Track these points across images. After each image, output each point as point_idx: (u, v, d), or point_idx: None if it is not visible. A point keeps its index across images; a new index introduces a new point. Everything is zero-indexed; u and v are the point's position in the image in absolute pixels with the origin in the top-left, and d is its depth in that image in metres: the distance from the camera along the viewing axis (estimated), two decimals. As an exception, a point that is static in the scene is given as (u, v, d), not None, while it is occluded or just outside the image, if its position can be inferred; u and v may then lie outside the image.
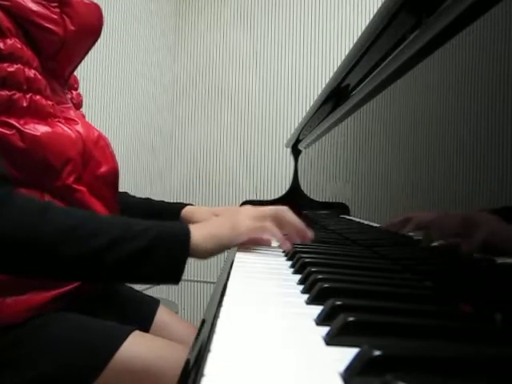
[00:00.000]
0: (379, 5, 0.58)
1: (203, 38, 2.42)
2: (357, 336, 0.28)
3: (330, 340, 0.28)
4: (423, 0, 0.51)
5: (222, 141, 2.37)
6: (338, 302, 0.33)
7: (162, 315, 0.84)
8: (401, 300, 0.38)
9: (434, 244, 0.48)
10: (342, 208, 0.91)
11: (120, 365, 0.58)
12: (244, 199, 1.77)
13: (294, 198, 1.51)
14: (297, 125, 1.54)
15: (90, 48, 0.78)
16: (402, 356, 0.23)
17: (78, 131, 0.70)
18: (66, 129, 0.68)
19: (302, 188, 1.47)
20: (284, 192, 1.60)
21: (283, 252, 0.66)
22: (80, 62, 0.79)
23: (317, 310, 0.34)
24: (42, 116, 0.65)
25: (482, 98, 0.40)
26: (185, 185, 2.41)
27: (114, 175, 0.76)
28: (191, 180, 2.41)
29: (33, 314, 0.60)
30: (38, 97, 0.65)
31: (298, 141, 1.54)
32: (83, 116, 0.83)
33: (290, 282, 0.46)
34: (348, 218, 0.87)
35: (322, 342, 0.28)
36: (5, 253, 0.49)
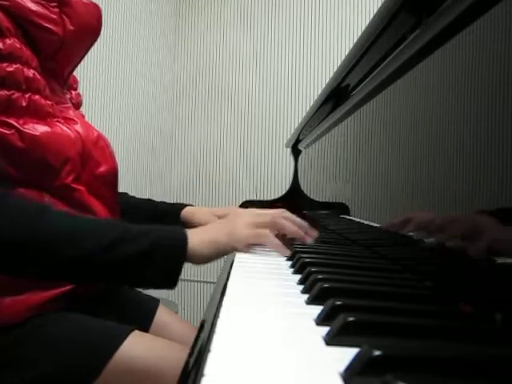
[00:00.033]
0: (379, 5, 0.58)
1: (203, 38, 2.42)
2: (357, 336, 0.28)
3: (330, 340, 0.28)
4: (423, 0, 0.51)
5: (222, 141, 2.37)
6: (338, 302, 0.33)
7: (161, 315, 0.84)
8: (401, 300, 0.38)
9: (435, 244, 0.48)
10: (342, 208, 0.91)
11: (120, 365, 0.58)
12: (244, 199, 1.77)
13: (294, 197, 1.51)
14: (297, 125, 1.54)
15: (89, 48, 0.78)
16: (402, 356, 0.23)
17: (77, 131, 0.70)
18: (65, 128, 0.68)
19: (302, 188, 1.47)
20: (284, 192, 1.60)
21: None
22: (79, 62, 0.79)
23: (317, 310, 0.34)
24: (41, 116, 0.65)
25: (482, 97, 0.40)
26: (185, 185, 2.41)
27: (113, 175, 0.76)
28: (191, 180, 2.41)
29: (32, 314, 0.60)
30: (37, 96, 0.65)
31: (297, 141, 1.54)
32: (82, 116, 0.83)
33: (290, 282, 0.46)
34: (348, 218, 0.87)
35: (322, 342, 0.28)
36: (2, 253, 0.49)
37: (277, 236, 0.63)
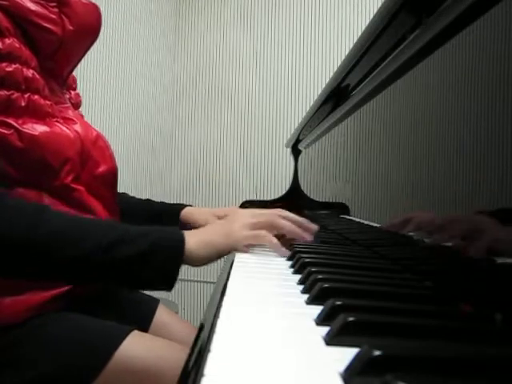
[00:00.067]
0: (379, 5, 0.58)
1: (203, 38, 2.42)
2: (357, 336, 0.28)
3: (330, 340, 0.28)
4: (423, 0, 0.51)
5: (222, 141, 2.37)
6: (338, 302, 0.33)
7: (161, 315, 0.84)
8: (401, 300, 0.38)
9: (435, 244, 0.48)
10: (342, 208, 0.91)
11: (119, 365, 0.58)
12: (244, 199, 1.77)
13: (293, 197, 1.51)
14: (297, 125, 1.54)
15: (88, 48, 0.78)
16: (402, 356, 0.23)
17: (76, 131, 0.70)
18: (64, 128, 0.68)
19: (302, 188, 1.47)
20: (284, 192, 1.60)
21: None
22: (78, 62, 0.79)
23: (317, 310, 0.34)
24: (41, 116, 0.65)
25: (482, 97, 0.40)
26: (185, 185, 2.41)
27: (112, 175, 0.76)
28: (191, 180, 2.41)
29: (32, 314, 0.60)
30: (36, 96, 0.64)
31: (297, 141, 1.54)
32: (82, 116, 0.83)
33: (290, 282, 0.46)
34: (348, 218, 0.87)
35: (322, 342, 0.28)
36: (1, 253, 0.49)
37: (276, 236, 0.63)
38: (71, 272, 0.52)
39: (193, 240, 0.56)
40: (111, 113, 1.81)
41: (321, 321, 0.32)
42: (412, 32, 0.54)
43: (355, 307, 0.32)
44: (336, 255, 0.60)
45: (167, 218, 0.90)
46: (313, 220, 1.17)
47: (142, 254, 0.52)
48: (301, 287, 0.43)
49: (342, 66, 0.82)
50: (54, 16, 0.68)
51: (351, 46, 0.74)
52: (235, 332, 0.29)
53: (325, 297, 0.36)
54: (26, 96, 0.63)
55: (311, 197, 1.33)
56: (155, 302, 0.86)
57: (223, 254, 0.59)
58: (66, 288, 0.65)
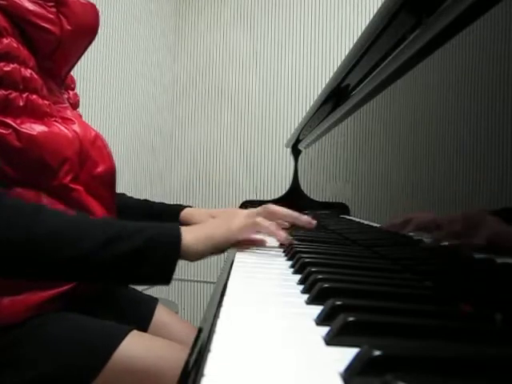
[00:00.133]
0: (379, 5, 0.58)
1: (203, 38, 2.42)
2: (357, 336, 0.28)
3: (330, 340, 0.28)
4: (423, 0, 0.51)
5: (222, 141, 2.37)
6: (338, 302, 0.33)
7: (160, 315, 0.84)
8: (401, 300, 0.38)
9: (435, 244, 0.48)
10: (342, 208, 0.91)
11: (119, 365, 0.58)
12: (244, 199, 1.77)
13: (294, 197, 1.51)
14: (297, 125, 1.54)
15: (86, 48, 0.78)
16: (402, 356, 0.23)
17: (74, 131, 0.70)
18: (62, 128, 0.67)
19: (302, 188, 1.47)
20: (284, 192, 1.60)
21: (283, 252, 0.66)
22: (76, 61, 0.79)
23: (317, 310, 0.34)
24: (39, 115, 0.65)
25: (482, 97, 0.40)
26: (185, 185, 2.41)
27: (111, 175, 0.76)
28: (191, 180, 2.41)
29: (31, 314, 0.60)
30: (34, 96, 0.64)
31: (297, 141, 1.54)
32: (80, 116, 0.83)
33: (290, 282, 0.46)
34: (348, 218, 0.87)
35: (322, 342, 0.28)
36: (0, 253, 0.49)
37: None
38: (70, 271, 0.52)
39: (190, 235, 0.56)
40: (111, 113, 1.81)
41: (321, 321, 0.32)
42: (412, 32, 0.54)
43: (355, 307, 0.32)
44: (336, 255, 0.60)
45: (166, 219, 0.90)
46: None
47: (138, 249, 0.52)
48: (301, 287, 0.43)
49: (341, 66, 0.82)
50: (51, 16, 0.68)
51: (351, 46, 0.74)
52: (235, 332, 0.29)
53: (325, 297, 0.36)
54: (24, 96, 0.63)
55: (311, 197, 1.33)
56: (154, 302, 0.86)
57: (221, 247, 0.60)
58: (65, 288, 0.65)
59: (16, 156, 0.62)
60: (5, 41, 0.61)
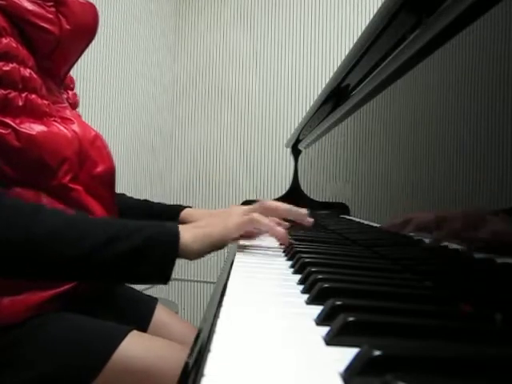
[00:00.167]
0: (379, 5, 0.58)
1: (203, 38, 2.42)
2: (357, 336, 0.28)
3: (330, 340, 0.28)
4: (423, 0, 0.51)
5: (222, 141, 2.37)
6: (338, 302, 0.33)
7: (160, 314, 0.84)
8: (401, 300, 0.38)
9: (435, 244, 0.48)
10: (342, 208, 0.91)
11: (119, 365, 0.58)
12: (244, 199, 1.77)
13: (294, 198, 1.51)
14: (297, 125, 1.54)
15: (85, 48, 0.78)
16: (402, 356, 0.23)
17: (74, 130, 0.70)
18: (61, 128, 0.67)
19: (302, 188, 1.47)
20: (284, 192, 1.60)
21: (283, 252, 0.66)
22: (76, 61, 0.79)
23: (317, 309, 0.34)
24: (38, 115, 0.65)
25: (482, 97, 0.40)
26: (185, 185, 2.41)
27: (110, 175, 0.76)
28: (191, 180, 2.41)
29: (31, 314, 0.60)
30: (33, 96, 0.64)
31: (297, 141, 1.54)
32: (79, 116, 0.83)
33: (290, 282, 0.46)
34: (348, 218, 0.87)
35: (322, 342, 0.28)
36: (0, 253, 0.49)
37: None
38: (71, 271, 0.52)
39: (188, 234, 0.56)
40: (111, 113, 1.81)
41: (321, 321, 0.32)
42: (412, 32, 0.54)
43: (355, 307, 0.32)
44: (336, 255, 0.60)
45: (166, 219, 0.90)
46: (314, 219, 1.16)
47: (137, 248, 0.52)
48: (301, 287, 0.43)
49: (341, 66, 0.82)
50: (50, 15, 0.68)
51: (351, 46, 0.74)
52: (235, 332, 0.29)
53: (325, 297, 0.36)
54: (24, 95, 0.63)
55: (311, 197, 1.33)
56: (154, 302, 0.86)
57: (220, 244, 0.60)
58: (65, 288, 0.65)
59: (15, 156, 0.62)
60: (4, 40, 0.61)
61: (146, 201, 0.97)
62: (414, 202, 0.56)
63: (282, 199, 1.56)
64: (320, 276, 0.42)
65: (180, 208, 0.90)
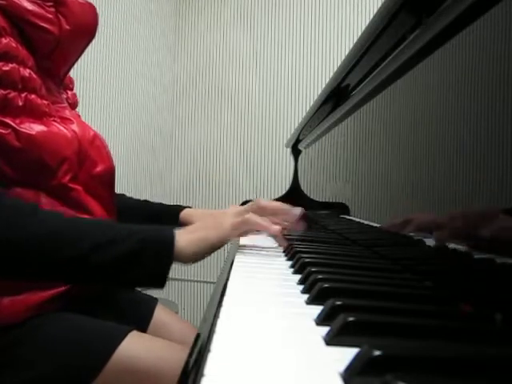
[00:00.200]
0: (379, 5, 0.58)
1: (203, 38, 2.42)
2: (357, 336, 0.28)
3: (330, 340, 0.28)
4: (423, 0, 0.51)
5: (222, 141, 2.37)
6: (338, 302, 0.33)
7: (160, 314, 0.84)
8: (401, 300, 0.38)
9: (435, 244, 0.48)
10: (342, 208, 0.91)
11: (118, 365, 0.58)
12: (244, 199, 1.77)
13: (294, 197, 1.51)
14: (297, 125, 1.54)
15: (85, 48, 0.78)
16: (402, 356, 0.23)
17: (73, 130, 0.70)
18: (61, 128, 0.68)
19: (302, 188, 1.47)
20: (284, 192, 1.60)
21: (283, 252, 0.66)
22: (75, 61, 0.79)
23: (317, 310, 0.34)
24: (38, 115, 0.65)
25: (482, 97, 0.40)
26: (185, 185, 2.41)
27: (110, 175, 0.76)
28: (191, 180, 2.41)
29: (31, 314, 0.60)
30: (33, 96, 0.64)
31: (297, 141, 1.54)
32: (78, 116, 0.83)
33: (290, 282, 0.46)
34: (348, 218, 0.87)
35: (322, 342, 0.28)
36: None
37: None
38: (70, 272, 0.52)
39: (183, 238, 0.56)
40: (111, 113, 1.81)
41: (321, 321, 0.32)
42: (412, 32, 0.54)
43: (355, 307, 0.32)
44: (336, 255, 0.60)
45: (165, 219, 0.90)
46: (313, 220, 1.17)
47: (130, 252, 0.51)
48: (301, 287, 0.43)
49: (341, 66, 0.82)
50: (50, 15, 0.68)
51: (351, 46, 0.74)
52: (235, 332, 0.29)
53: (325, 297, 0.36)
54: (23, 95, 0.63)
55: (311, 197, 1.33)
56: (154, 302, 0.86)
57: (215, 247, 0.59)
58: (65, 288, 0.65)
59: (15, 156, 0.62)
60: (4, 40, 0.61)
61: (145, 201, 0.97)
62: (414, 202, 0.56)
63: (282, 199, 1.56)
64: (320, 276, 0.42)
65: (180, 208, 0.90)
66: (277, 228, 0.64)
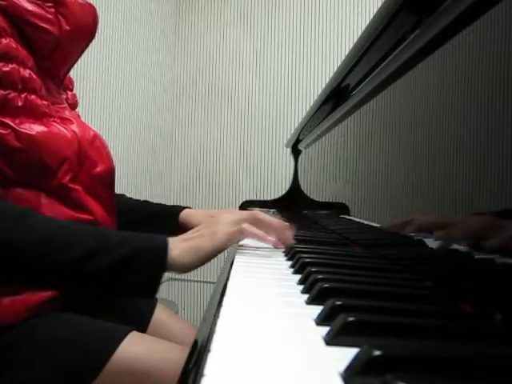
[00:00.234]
0: (379, 5, 0.58)
1: (203, 38, 2.42)
2: (357, 336, 0.28)
3: (330, 340, 0.28)
4: (423, 0, 0.51)
5: (222, 141, 2.37)
6: (338, 302, 0.33)
7: (160, 314, 0.84)
8: (401, 300, 0.38)
9: (435, 244, 0.48)
10: (342, 208, 0.91)
11: (118, 366, 0.57)
12: (244, 199, 1.77)
13: (294, 197, 1.51)
14: (297, 125, 1.54)
15: (85, 48, 0.78)
16: (402, 356, 0.23)
17: (73, 131, 0.70)
18: (61, 128, 0.68)
19: (302, 188, 1.47)
20: (284, 192, 1.60)
21: (283, 252, 0.66)
22: (75, 62, 0.79)
23: (317, 310, 0.34)
24: (38, 115, 0.65)
25: (482, 97, 0.40)
26: (185, 185, 2.42)
27: (109, 175, 0.76)
28: (191, 180, 2.41)
29: (32, 314, 0.60)
30: (33, 96, 0.64)
31: (297, 141, 1.54)
32: (78, 116, 0.83)
33: (290, 282, 0.46)
34: (348, 218, 0.87)
35: (322, 342, 0.28)
36: None
37: None
38: (59, 279, 0.51)
39: (176, 247, 0.55)
40: (111, 113, 1.81)
41: (321, 321, 0.32)
42: (412, 32, 0.54)
43: (355, 307, 0.32)
44: (336, 255, 0.60)
45: (165, 220, 0.89)
46: (313, 220, 1.17)
47: (122, 260, 0.51)
48: (301, 287, 0.43)
49: (341, 66, 0.82)
50: (50, 16, 0.68)
51: (351, 46, 0.74)
52: (235, 332, 0.29)
53: (325, 297, 0.36)
54: (23, 96, 0.63)
55: (311, 197, 1.33)
56: (154, 302, 0.86)
57: (209, 257, 0.59)
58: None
59: (15, 156, 0.62)
60: (4, 41, 0.61)
61: (145, 201, 0.97)
62: (414, 202, 0.56)
63: (281, 199, 1.56)
64: (320, 276, 0.42)
65: (179, 209, 0.90)
66: (272, 240, 0.63)
